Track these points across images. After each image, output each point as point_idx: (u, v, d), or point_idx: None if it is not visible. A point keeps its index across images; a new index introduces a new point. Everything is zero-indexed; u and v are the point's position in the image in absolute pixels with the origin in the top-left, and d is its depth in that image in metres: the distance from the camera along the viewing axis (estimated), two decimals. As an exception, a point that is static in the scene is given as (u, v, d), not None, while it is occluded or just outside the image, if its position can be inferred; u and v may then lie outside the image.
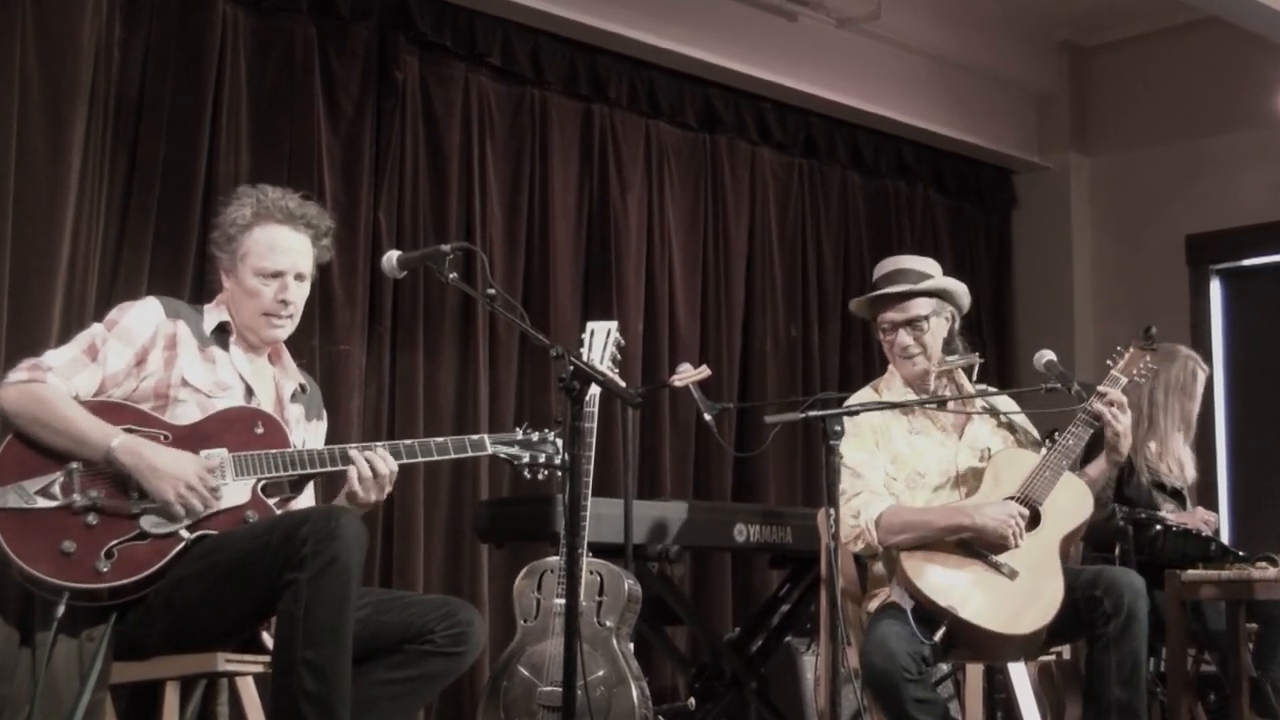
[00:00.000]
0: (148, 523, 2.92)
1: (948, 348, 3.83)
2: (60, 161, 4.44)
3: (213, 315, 3.20)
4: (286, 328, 3.21)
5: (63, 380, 2.99)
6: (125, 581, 2.88)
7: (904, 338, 3.79)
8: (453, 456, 3.16)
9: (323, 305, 4.99)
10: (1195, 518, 4.54)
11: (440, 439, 3.15)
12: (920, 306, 3.79)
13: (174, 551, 2.92)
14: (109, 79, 4.59)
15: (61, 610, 2.84)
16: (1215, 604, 4.31)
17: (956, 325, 3.87)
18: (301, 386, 3.29)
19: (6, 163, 4.33)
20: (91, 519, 2.90)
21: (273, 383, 3.23)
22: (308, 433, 3.27)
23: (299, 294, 3.20)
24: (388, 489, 3.09)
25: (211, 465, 2.99)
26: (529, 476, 3.19)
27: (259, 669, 3.08)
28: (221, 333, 3.18)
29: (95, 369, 3.04)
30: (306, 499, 3.24)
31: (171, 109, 4.73)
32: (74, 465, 2.92)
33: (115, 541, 2.90)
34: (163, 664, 2.99)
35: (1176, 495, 4.64)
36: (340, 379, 5.01)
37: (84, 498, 2.91)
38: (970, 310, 3.95)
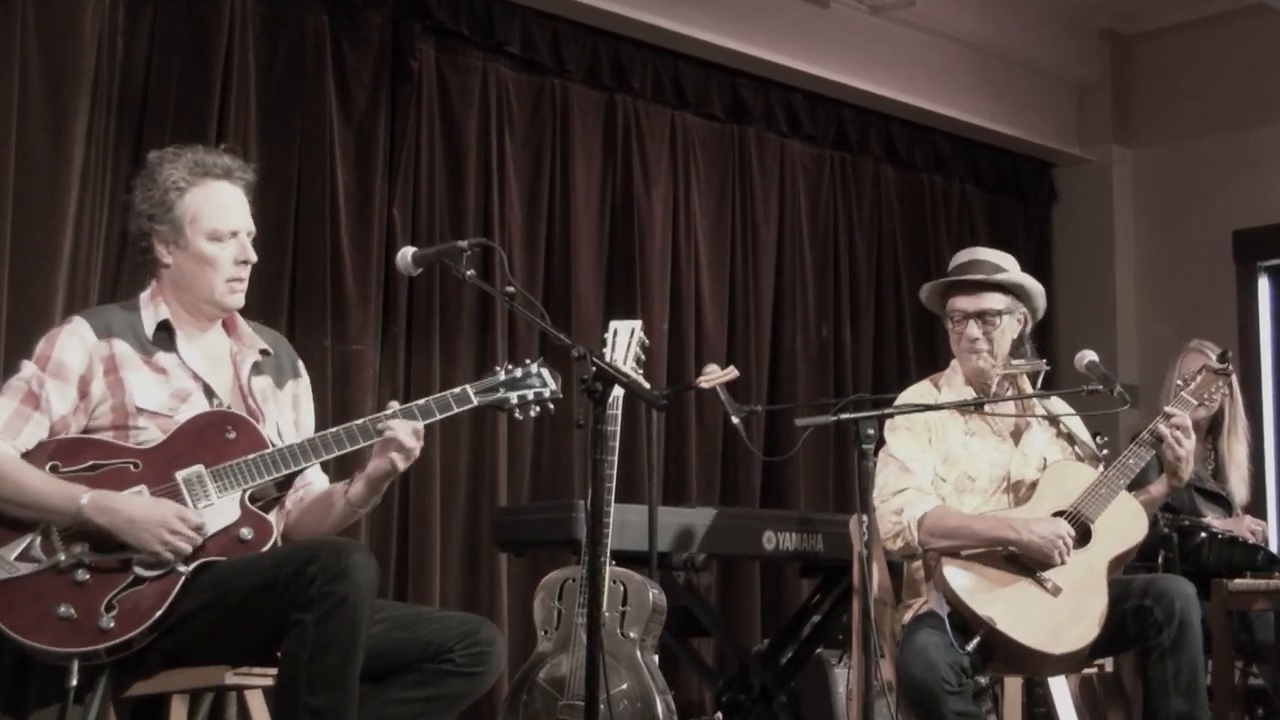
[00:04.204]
0: (141, 566, 2.80)
1: (1016, 351, 3.78)
2: (62, 154, 4.40)
3: (150, 312, 3.01)
4: (244, 291, 3.04)
5: (9, 441, 2.84)
6: (134, 633, 2.77)
7: (973, 329, 3.73)
8: (438, 417, 2.98)
9: (335, 304, 4.97)
10: (1241, 525, 4.50)
11: (421, 401, 2.96)
12: (994, 300, 3.73)
13: (176, 590, 2.81)
14: (112, 68, 4.55)
15: (75, 681, 2.74)
16: (1263, 615, 4.27)
17: (1028, 329, 3.82)
18: (264, 352, 3.11)
19: (6, 155, 4.29)
20: (81, 575, 2.78)
21: (231, 364, 3.06)
22: (280, 406, 3.10)
23: (253, 253, 3.04)
24: (417, 452, 2.93)
25: (190, 490, 2.86)
26: (520, 417, 3.00)
27: (267, 682, 2.99)
28: (164, 331, 3.00)
29: (40, 418, 2.88)
30: (318, 474, 3.09)
31: (177, 100, 4.68)
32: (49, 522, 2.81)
33: (113, 593, 2.78)
34: (168, 678, 2.91)
35: (1221, 501, 4.59)
36: (353, 380, 4.97)
37: (69, 555, 2.78)
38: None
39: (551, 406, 2.98)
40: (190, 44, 4.70)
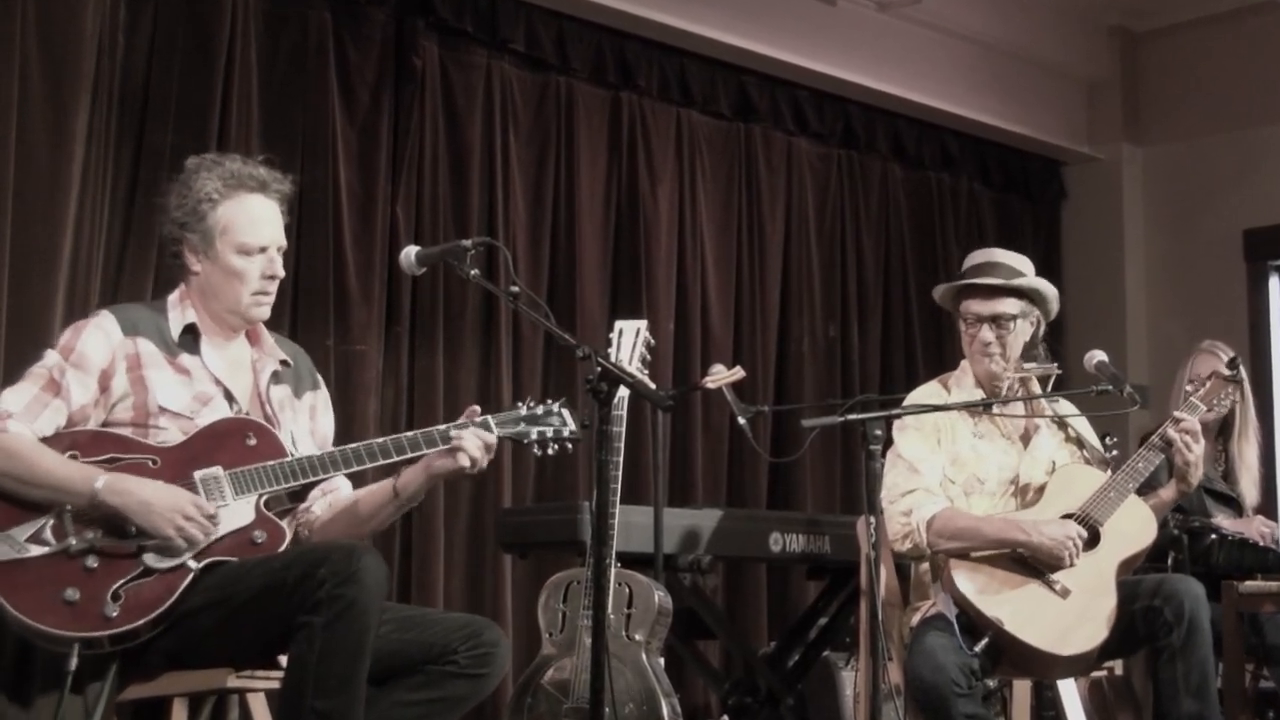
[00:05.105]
0: (151, 558, 2.80)
1: (1029, 353, 3.79)
2: (62, 152, 4.38)
3: (177, 314, 3.04)
4: (270, 304, 3.07)
5: (27, 425, 2.84)
6: (138, 624, 2.77)
7: (986, 333, 3.73)
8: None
9: (338, 303, 4.95)
10: (1252, 526, 4.47)
11: (442, 427, 2.98)
12: (1008, 305, 3.74)
13: (183, 585, 2.81)
14: (113, 66, 4.54)
15: (75, 664, 2.74)
16: (1274, 617, 4.22)
17: (1041, 331, 3.83)
18: (283, 363, 3.13)
19: (6, 154, 4.27)
20: (91, 562, 2.78)
21: (251, 373, 3.08)
22: (297, 415, 3.11)
23: (282, 268, 3.07)
24: (483, 463, 2.94)
25: (207, 489, 2.86)
26: (539, 454, 3.04)
27: (270, 685, 3.00)
28: (189, 334, 3.02)
29: (59, 405, 2.89)
30: (344, 479, 3.08)
31: (179, 97, 4.67)
32: (64, 506, 2.80)
33: (120, 582, 2.78)
34: (170, 681, 2.91)
35: (1231, 503, 4.56)
36: (356, 381, 4.96)
37: (80, 540, 2.78)
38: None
39: (570, 447, 3.01)
40: (192, 41, 4.69)
